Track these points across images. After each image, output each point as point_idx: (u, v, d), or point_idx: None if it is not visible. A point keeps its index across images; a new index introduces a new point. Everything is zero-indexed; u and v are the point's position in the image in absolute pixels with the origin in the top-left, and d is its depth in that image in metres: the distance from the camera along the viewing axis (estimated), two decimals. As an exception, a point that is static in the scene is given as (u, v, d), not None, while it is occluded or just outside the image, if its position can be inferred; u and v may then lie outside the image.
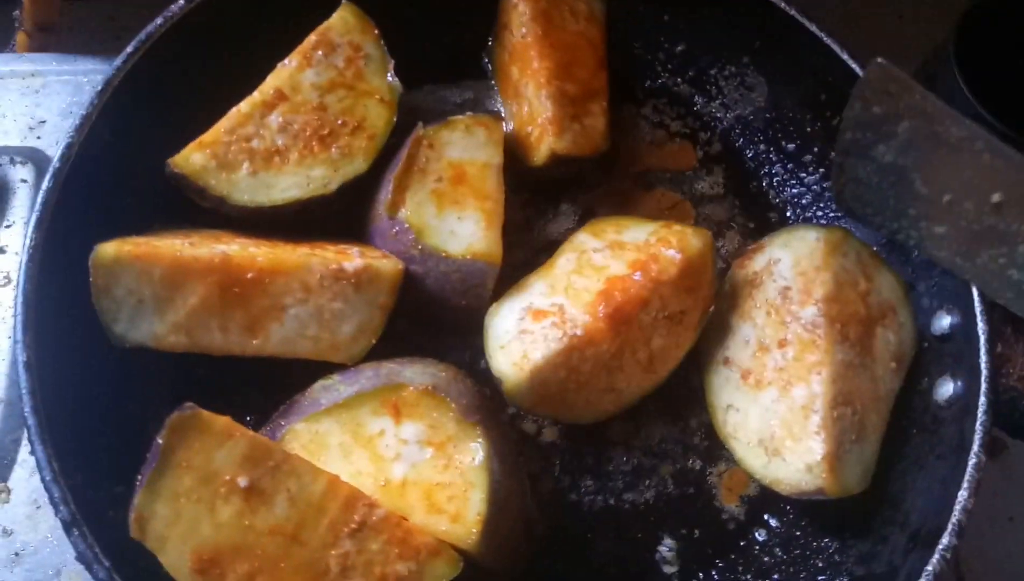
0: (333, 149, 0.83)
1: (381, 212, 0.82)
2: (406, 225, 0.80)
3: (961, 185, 0.74)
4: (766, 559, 0.83)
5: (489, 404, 0.76)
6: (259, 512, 0.66)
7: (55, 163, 0.74)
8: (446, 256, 0.80)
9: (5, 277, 0.99)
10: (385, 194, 0.82)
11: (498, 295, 0.84)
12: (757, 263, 0.88)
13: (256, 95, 0.84)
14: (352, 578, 0.68)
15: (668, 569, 0.82)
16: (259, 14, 0.89)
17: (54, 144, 1.07)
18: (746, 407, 0.81)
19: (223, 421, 0.66)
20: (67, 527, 0.62)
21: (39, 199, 0.73)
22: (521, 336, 0.79)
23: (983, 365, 0.76)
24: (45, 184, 0.73)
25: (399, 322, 0.83)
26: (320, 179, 0.82)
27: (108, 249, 0.72)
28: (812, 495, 0.76)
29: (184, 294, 0.74)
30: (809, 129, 0.98)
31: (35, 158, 1.06)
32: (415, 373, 0.75)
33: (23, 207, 1.03)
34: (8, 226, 1.02)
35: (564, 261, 0.84)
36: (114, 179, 0.80)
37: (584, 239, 0.86)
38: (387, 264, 0.79)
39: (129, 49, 0.80)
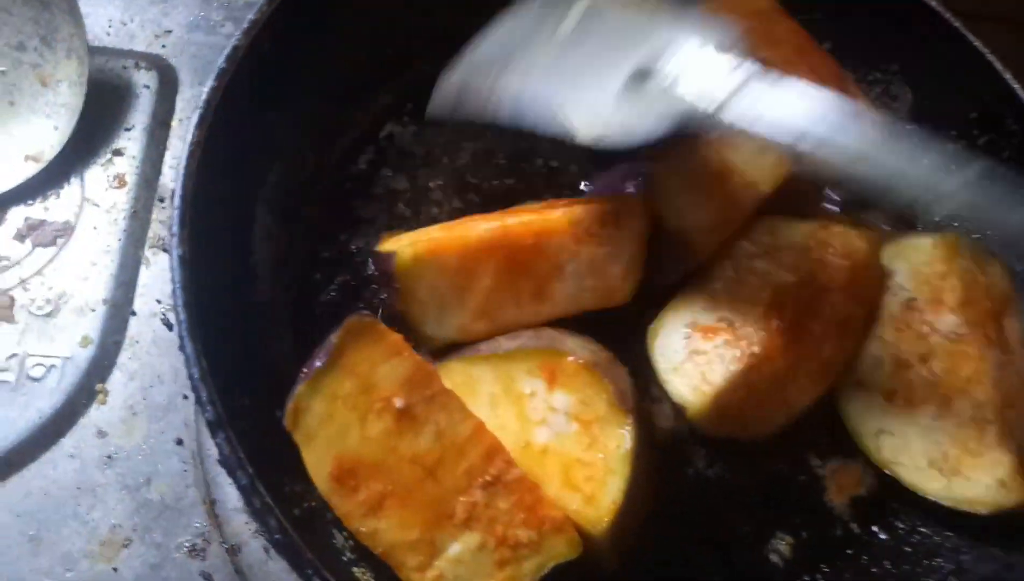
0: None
1: (639, 154, 0.80)
2: (643, 177, 0.80)
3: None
4: (874, 570, 0.81)
5: (638, 398, 0.74)
6: (406, 436, 0.65)
7: (221, 63, 0.73)
8: (662, 224, 0.80)
9: (120, 179, 0.98)
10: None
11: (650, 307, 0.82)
12: None
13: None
14: (473, 529, 0.66)
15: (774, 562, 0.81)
16: None
17: (178, 54, 1.06)
18: (902, 429, 0.78)
19: (395, 338, 0.65)
20: (213, 428, 0.61)
21: (203, 97, 0.71)
22: (693, 357, 0.77)
23: None
24: (210, 83, 0.72)
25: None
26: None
27: (406, 253, 0.72)
28: (1013, 509, 0.74)
29: (479, 277, 0.74)
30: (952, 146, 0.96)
31: (159, 65, 1.05)
32: (577, 345, 0.73)
33: (144, 113, 1.02)
34: (128, 129, 1.01)
35: (720, 270, 0.82)
36: (270, 88, 0.78)
37: (739, 245, 0.82)
38: (634, 195, 0.78)
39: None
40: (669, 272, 0.81)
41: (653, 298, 0.83)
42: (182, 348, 0.63)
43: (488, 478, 0.66)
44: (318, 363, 0.64)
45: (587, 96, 0.63)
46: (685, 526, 0.80)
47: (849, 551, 0.82)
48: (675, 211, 0.81)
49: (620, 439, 0.69)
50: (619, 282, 0.79)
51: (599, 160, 0.88)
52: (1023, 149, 0.89)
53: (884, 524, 0.83)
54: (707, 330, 0.78)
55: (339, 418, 0.64)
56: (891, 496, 0.83)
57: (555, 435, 0.70)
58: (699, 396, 0.76)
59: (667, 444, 0.82)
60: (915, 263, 0.83)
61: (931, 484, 0.77)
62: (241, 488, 0.60)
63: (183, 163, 0.69)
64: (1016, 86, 0.88)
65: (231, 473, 0.61)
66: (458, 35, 0.94)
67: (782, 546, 0.81)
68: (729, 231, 0.82)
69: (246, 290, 0.76)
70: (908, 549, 0.82)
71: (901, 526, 0.83)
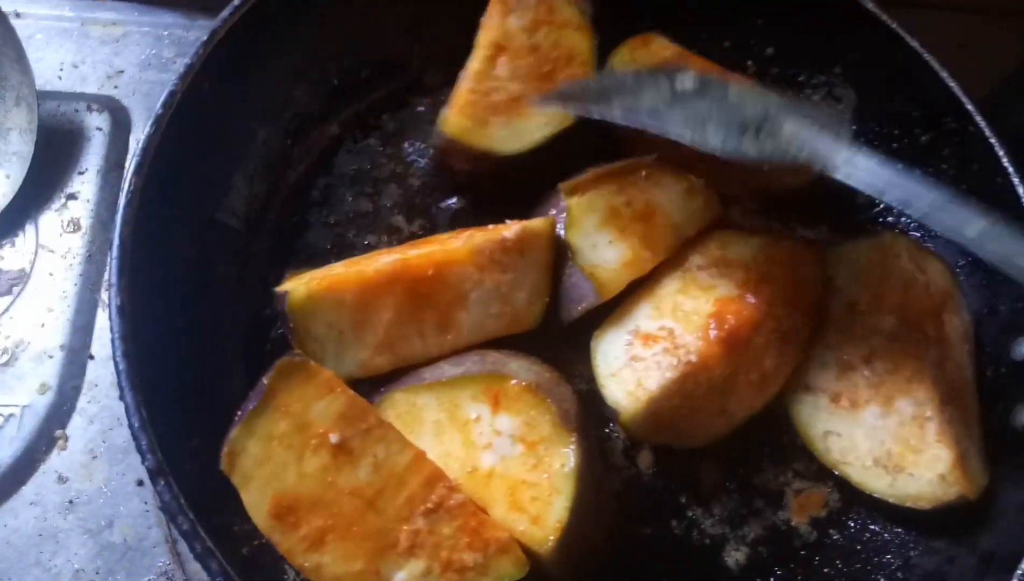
0: (559, 81, 0.87)
1: (559, 187, 0.84)
2: (565, 211, 0.81)
3: None
4: (826, 570, 0.81)
5: (584, 416, 0.74)
6: (344, 471, 0.66)
7: (157, 109, 0.74)
8: (571, 259, 0.80)
9: (75, 224, 0.98)
10: (577, 177, 0.84)
11: (599, 318, 0.83)
12: None
13: (479, 52, 0.87)
14: (418, 556, 0.67)
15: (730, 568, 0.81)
16: None
17: (130, 94, 1.07)
18: (848, 430, 0.79)
19: (327, 375, 0.66)
20: (153, 476, 0.61)
21: (140, 145, 0.72)
22: (632, 363, 0.77)
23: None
24: (147, 129, 0.73)
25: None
26: (558, 114, 0.86)
27: (299, 291, 0.73)
28: (953, 503, 0.75)
29: (378, 311, 0.75)
30: (895, 145, 0.97)
31: (112, 107, 1.06)
32: (520, 367, 0.74)
33: (97, 155, 1.03)
34: (81, 173, 1.01)
35: (668, 280, 0.82)
36: (208, 130, 0.79)
37: (689, 257, 0.83)
38: (540, 222, 0.80)
39: (236, 2, 0.79)
40: (572, 309, 0.81)
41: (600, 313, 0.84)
42: (122, 398, 0.64)
43: (430, 505, 0.66)
44: (251, 405, 0.64)
45: (709, 128, 0.74)
46: (636, 535, 0.81)
47: (803, 552, 0.82)
48: (589, 246, 0.81)
49: (564, 458, 0.69)
50: (525, 307, 0.80)
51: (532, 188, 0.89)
52: (963, 146, 0.90)
53: (836, 524, 0.83)
54: (648, 338, 0.79)
55: (275, 457, 0.65)
56: (846, 499, 0.84)
57: (501, 458, 0.70)
58: (633, 402, 0.77)
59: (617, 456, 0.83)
60: (855, 267, 0.85)
61: (877, 482, 0.78)
62: (183, 533, 0.60)
63: (120, 212, 0.69)
64: (953, 85, 0.89)
65: (172, 519, 0.61)
66: (396, 65, 0.96)
67: (737, 553, 0.82)
68: (642, 271, 0.81)
69: (194, 332, 0.76)
70: (859, 547, 0.83)
71: (852, 525, 0.84)
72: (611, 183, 0.83)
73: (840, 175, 0.70)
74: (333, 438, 0.65)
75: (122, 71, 1.09)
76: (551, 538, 0.68)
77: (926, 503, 0.76)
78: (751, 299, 0.79)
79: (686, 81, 0.76)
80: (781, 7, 0.98)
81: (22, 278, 0.94)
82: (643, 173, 0.84)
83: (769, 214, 0.96)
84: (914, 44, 0.91)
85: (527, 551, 0.68)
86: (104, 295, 0.95)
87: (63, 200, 0.99)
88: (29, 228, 0.97)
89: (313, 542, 0.64)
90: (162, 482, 0.61)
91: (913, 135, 0.95)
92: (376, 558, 0.65)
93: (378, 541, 0.67)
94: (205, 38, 0.78)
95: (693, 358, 0.76)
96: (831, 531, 0.84)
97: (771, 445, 0.86)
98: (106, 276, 0.69)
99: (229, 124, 0.82)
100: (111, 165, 1.02)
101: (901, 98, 0.95)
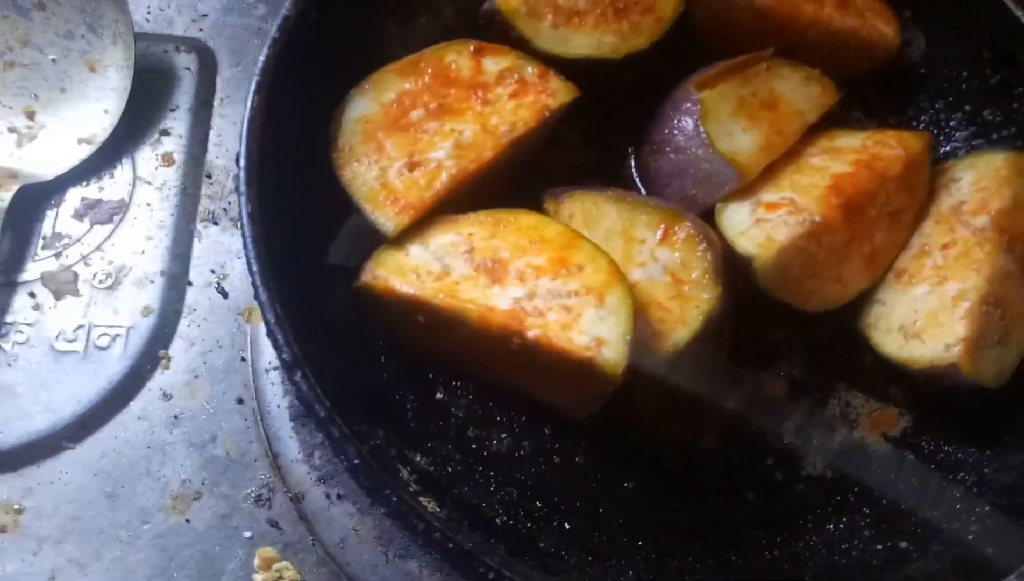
0: (624, 22, 0.91)
1: (688, 85, 0.89)
2: (699, 104, 0.87)
3: None
4: (902, 488, 0.85)
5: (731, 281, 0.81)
6: (443, 333, 0.76)
7: (273, 33, 0.77)
8: (710, 145, 0.85)
9: (168, 158, 1.02)
10: (704, 73, 0.89)
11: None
12: (937, 181, 0.91)
13: None
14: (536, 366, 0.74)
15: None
16: None
17: (215, 36, 1.11)
18: (893, 300, 0.85)
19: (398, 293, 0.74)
20: (290, 368, 0.65)
21: (259, 66, 0.76)
22: (760, 223, 0.82)
23: None
24: (264, 51, 0.77)
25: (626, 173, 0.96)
26: (609, 45, 0.90)
27: None
28: (944, 372, 0.79)
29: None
30: (965, 86, 1.00)
31: (198, 48, 1.09)
32: (695, 221, 0.81)
33: (187, 94, 1.06)
34: (173, 110, 1.05)
35: (782, 166, 0.88)
36: (318, 54, 0.82)
37: (797, 147, 0.89)
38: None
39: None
40: (715, 193, 0.86)
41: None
42: (257, 297, 0.68)
43: (517, 343, 0.74)
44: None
45: None
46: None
47: (879, 471, 0.86)
48: (725, 134, 0.86)
49: (702, 302, 0.77)
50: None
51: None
52: (1036, 84, 0.93)
53: (910, 446, 0.87)
54: (771, 205, 0.84)
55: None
56: (917, 423, 0.87)
57: (648, 278, 0.78)
58: (765, 250, 0.81)
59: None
60: (980, 173, 0.89)
61: (891, 345, 0.84)
62: (320, 421, 0.64)
63: (245, 127, 0.73)
64: (1027, 19, 0.92)
65: (309, 408, 0.65)
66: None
67: (812, 469, 0.86)
68: (775, 155, 0.88)
69: (308, 245, 0.80)
70: (932, 466, 0.86)
71: (925, 447, 0.87)
72: (737, 76, 0.90)
73: None
74: (421, 318, 0.74)
75: (206, 15, 1.12)
76: (664, 350, 0.75)
77: (920, 364, 0.80)
78: (864, 173, 0.85)
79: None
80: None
81: (121, 208, 0.98)
82: (764, 66, 0.91)
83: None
84: (985, -18, 0.94)
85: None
86: (199, 226, 0.99)
87: (157, 136, 1.03)
88: (126, 161, 1.01)
89: None
90: (299, 373, 0.65)
91: (983, 76, 0.98)
92: None
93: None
94: (312, -33, 0.81)
95: (817, 218, 0.81)
96: (905, 451, 0.88)
97: (849, 367, 0.89)
98: (229, 208, 0.72)
99: (333, 48, 0.86)
100: (200, 103, 1.06)
101: (971, 39, 0.98)
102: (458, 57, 0.87)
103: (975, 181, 0.88)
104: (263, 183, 0.72)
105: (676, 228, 0.79)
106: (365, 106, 0.84)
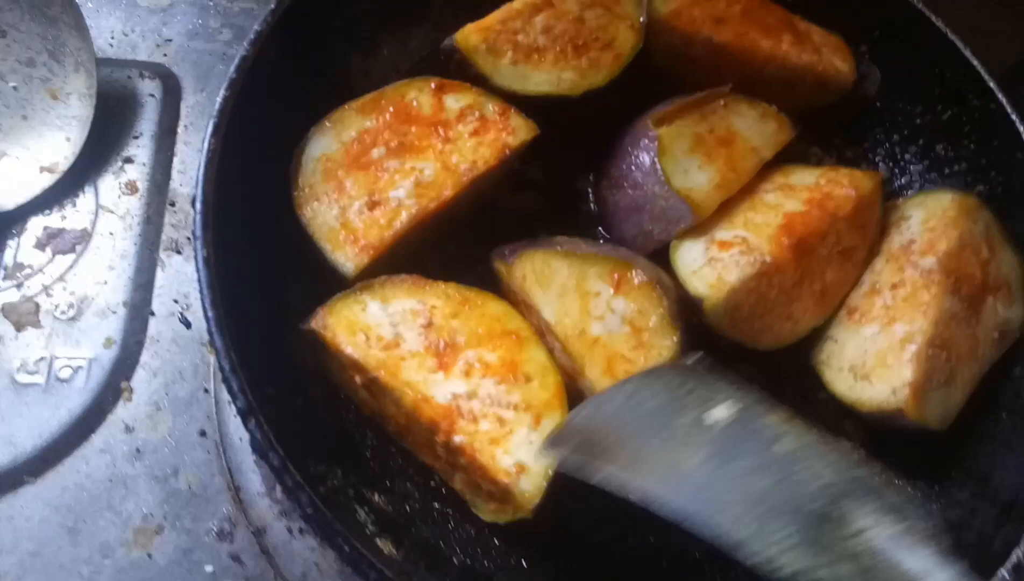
0: (583, 59, 0.92)
1: (646, 120, 0.90)
2: (656, 141, 0.88)
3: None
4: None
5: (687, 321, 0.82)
6: (380, 401, 0.76)
7: (231, 73, 0.78)
8: (666, 182, 0.86)
9: (132, 186, 1.02)
10: (662, 109, 0.91)
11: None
12: (889, 217, 0.94)
13: None
14: (457, 464, 0.75)
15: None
16: None
17: (179, 62, 1.11)
18: (844, 338, 0.88)
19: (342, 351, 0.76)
20: (244, 416, 0.66)
21: (216, 107, 0.76)
22: (711, 263, 0.84)
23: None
24: (221, 93, 0.77)
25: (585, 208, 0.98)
26: (568, 82, 0.91)
27: None
28: (891, 415, 0.81)
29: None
30: (919, 121, 1.02)
31: (162, 73, 1.09)
32: (645, 264, 0.83)
33: (151, 121, 1.06)
34: (136, 137, 1.05)
35: (736, 203, 0.90)
36: (276, 92, 0.83)
37: (752, 182, 0.91)
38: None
39: (300, -27, 0.83)
40: (670, 230, 0.88)
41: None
42: (212, 343, 0.68)
43: (442, 439, 0.75)
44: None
45: (752, 516, 0.54)
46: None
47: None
48: (681, 171, 0.88)
49: (663, 348, 0.78)
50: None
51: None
52: (983, 122, 0.95)
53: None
54: (724, 244, 0.86)
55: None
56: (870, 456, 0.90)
57: (608, 332, 0.79)
58: (715, 290, 0.82)
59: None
60: (929, 212, 0.91)
61: (841, 384, 0.86)
62: (273, 469, 0.65)
63: (202, 171, 0.74)
64: (976, 63, 0.94)
65: (263, 456, 0.66)
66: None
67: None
68: (730, 192, 0.89)
69: (266, 286, 0.81)
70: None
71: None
72: (694, 112, 0.91)
73: None
74: (358, 379, 0.75)
75: (170, 40, 1.12)
76: None
77: (866, 408, 0.83)
78: (816, 212, 0.86)
79: (719, 410, 0.61)
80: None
81: (84, 237, 0.98)
82: (722, 102, 0.93)
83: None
84: (938, 23, 0.96)
85: None
86: (162, 254, 1.00)
87: (120, 163, 1.03)
88: (89, 190, 1.01)
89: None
90: (253, 421, 0.66)
91: (936, 112, 1.00)
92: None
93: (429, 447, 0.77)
94: (272, 6, 0.81)
95: (768, 258, 0.83)
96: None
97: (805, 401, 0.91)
98: (191, 231, 0.72)
99: (292, 89, 0.86)
100: (164, 130, 1.06)
101: (924, 76, 1.00)
102: (419, 94, 0.88)
103: (924, 220, 0.90)
104: (220, 226, 0.73)
105: (629, 274, 0.80)
106: (326, 144, 0.85)
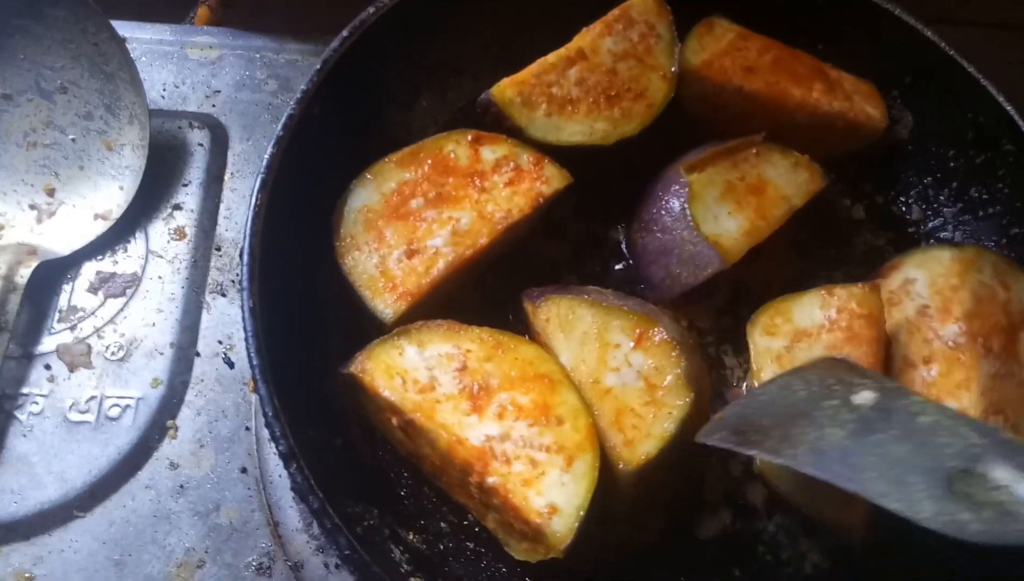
0: (616, 109, 0.95)
1: (679, 166, 0.92)
2: (687, 187, 0.90)
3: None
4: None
5: (705, 384, 0.84)
6: (415, 442, 0.78)
7: (278, 131, 0.81)
8: (695, 228, 0.88)
9: (180, 232, 1.06)
10: (694, 156, 0.93)
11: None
12: (893, 282, 0.92)
13: (562, 50, 0.96)
14: (490, 504, 0.77)
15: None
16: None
17: (227, 112, 1.15)
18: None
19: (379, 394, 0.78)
20: (286, 460, 0.69)
21: (263, 164, 0.80)
22: (779, 359, 0.85)
23: None
24: (269, 149, 0.81)
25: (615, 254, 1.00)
26: (600, 132, 0.94)
27: None
28: None
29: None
30: (952, 165, 1.02)
31: (210, 124, 1.14)
32: (669, 323, 0.84)
33: (199, 169, 1.11)
34: (185, 185, 1.10)
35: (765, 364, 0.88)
36: (320, 147, 0.86)
37: (763, 342, 0.88)
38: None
39: (344, 34, 0.87)
40: (698, 274, 0.89)
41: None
42: (256, 390, 0.71)
43: (476, 479, 0.76)
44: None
45: (899, 483, 0.61)
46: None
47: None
48: (711, 217, 0.89)
49: (675, 409, 0.79)
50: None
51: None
52: (1018, 167, 0.95)
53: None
54: (789, 350, 0.86)
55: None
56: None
57: (622, 384, 0.80)
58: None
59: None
60: (933, 273, 0.91)
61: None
62: (313, 512, 0.67)
63: (249, 225, 0.77)
64: (1010, 108, 0.94)
65: (303, 499, 0.68)
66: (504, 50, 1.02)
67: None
68: (759, 239, 0.90)
69: (308, 332, 0.84)
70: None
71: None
72: (726, 160, 0.93)
73: None
74: (395, 420, 0.77)
75: (219, 91, 1.17)
76: (634, 464, 0.77)
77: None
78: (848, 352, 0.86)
79: (862, 394, 0.70)
80: (836, 37, 1.04)
81: (134, 281, 1.03)
82: (754, 151, 0.94)
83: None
84: (971, 69, 0.97)
85: (609, 464, 0.77)
86: (207, 297, 1.04)
87: (169, 210, 1.08)
88: (140, 236, 1.06)
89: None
90: (294, 465, 0.68)
91: (969, 156, 1.00)
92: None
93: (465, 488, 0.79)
94: (318, 66, 0.85)
95: None
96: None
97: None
98: (237, 280, 0.75)
99: (335, 141, 0.90)
100: (212, 178, 1.10)
101: (957, 121, 1.00)
102: (457, 146, 0.91)
103: (931, 283, 0.90)
104: (265, 276, 0.76)
105: (651, 331, 0.81)
106: (366, 196, 0.88)
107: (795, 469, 0.66)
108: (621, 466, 0.78)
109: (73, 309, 1.00)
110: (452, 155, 0.90)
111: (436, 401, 0.78)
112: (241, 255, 0.76)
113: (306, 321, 0.83)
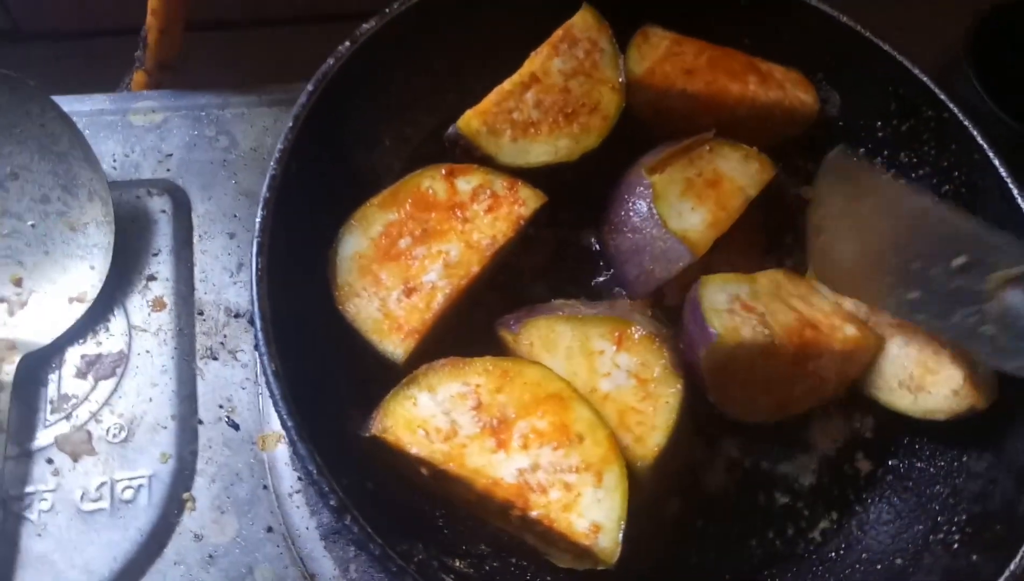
0: (575, 125, 0.99)
1: (640, 169, 0.97)
2: (650, 188, 0.95)
3: (926, 253, 0.86)
4: (885, 507, 0.95)
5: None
6: (448, 486, 0.80)
7: (265, 193, 0.83)
8: (663, 225, 0.94)
9: (159, 302, 1.06)
10: (653, 157, 0.98)
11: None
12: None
13: (516, 76, 1.00)
14: (533, 531, 0.81)
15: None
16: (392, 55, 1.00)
17: (184, 174, 1.15)
18: (877, 361, 0.95)
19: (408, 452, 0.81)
20: (339, 513, 0.71)
21: (257, 227, 0.81)
22: (731, 313, 0.89)
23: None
24: (259, 213, 0.82)
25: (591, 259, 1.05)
26: (564, 149, 0.99)
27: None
28: (966, 414, 0.90)
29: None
30: (881, 134, 1.11)
31: (169, 188, 1.13)
32: (643, 319, 0.89)
33: (166, 235, 1.10)
34: (155, 254, 1.09)
35: (765, 285, 0.96)
36: (302, 204, 0.88)
37: (775, 281, 0.97)
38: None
39: (310, 88, 0.89)
40: (670, 269, 0.94)
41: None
42: (295, 451, 0.73)
43: (518, 514, 0.80)
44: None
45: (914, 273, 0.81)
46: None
47: (865, 497, 0.96)
48: (675, 214, 0.95)
49: (670, 397, 0.84)
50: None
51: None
52: (939, 130, 1.05)
53: (886, 467, 0.97)
54: (747, 306, 0.92)
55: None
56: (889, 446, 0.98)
57: (616, 387, 0.85)
58: (728, 335, 0.86)
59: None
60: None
61: (902, 401, 0.94)
62: (376, 558, 0.70)
63: (255, 289, 0.78)
64: (925, 78, 1.04)
65: (362, 547, 0.70)
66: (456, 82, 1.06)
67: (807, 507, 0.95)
68: (722, 230, 0.97)
69: (325, 384, 0.85)
70: (909, 483, 0.96)
71: (900, 466, 0.98)
72: (682, 158, 0.99)
73: None
74: (424, 471, 0.80)
75: (171, 154, 1.16)
76: (650, 456, 0.82)
77: (942, 415, 0.91)
78: (823, 337, 0.93)
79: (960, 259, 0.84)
80: (760, 32, 1.12)
81: (122, 360, 1.02)
82: (707, 147, 1.00)
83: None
84: (885, 46, 1.06)
85: (628, 464, 0.81)
86: (199, 363, 1.03)
87: (144, 282, 1.07)
88: (119, 313, 1.04)
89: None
90: (348, 517, 0.70)
91: (894, 125, 1.10)
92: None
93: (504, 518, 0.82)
94: (290, 123, 0.87)
95: (775, 341, 0.89)
96: (881, 472, 0.98)
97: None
98: (255, 348, 0.76)
99: (315, 192, 0.91)
100: (181, 243, 1.10)
101: (880, 94, 1.09)
102: (433, 182, 0.94)
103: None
104: (278, 337, 0.77)
105: (629, 331, 0.86)
106: (356, 243, 0.90)
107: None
108: (639, 464, 0.82)
109: (64, 398, 0.99)
110: (430, 191, 0.93)
111: (462, 446, 0.80)
112: (252, 321, 0.78)
113: (318, 373, 0.85)
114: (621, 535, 0.76)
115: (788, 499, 0.97)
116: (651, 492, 0.86)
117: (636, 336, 0.86)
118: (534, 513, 0.77)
